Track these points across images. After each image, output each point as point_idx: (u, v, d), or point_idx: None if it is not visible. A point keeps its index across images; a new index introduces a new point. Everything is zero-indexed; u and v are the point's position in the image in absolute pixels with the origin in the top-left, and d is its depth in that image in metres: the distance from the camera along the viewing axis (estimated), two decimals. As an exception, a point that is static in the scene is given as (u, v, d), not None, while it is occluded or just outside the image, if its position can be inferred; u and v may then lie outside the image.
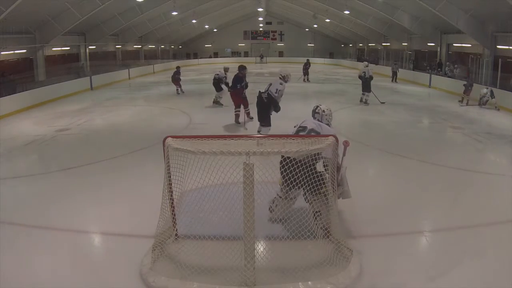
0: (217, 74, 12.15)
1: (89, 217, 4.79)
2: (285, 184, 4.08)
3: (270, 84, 7.58)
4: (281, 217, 4.25)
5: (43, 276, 3.53)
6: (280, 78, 7.64)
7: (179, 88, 15.60)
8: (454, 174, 6.23)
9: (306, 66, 20.86)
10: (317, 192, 3.88)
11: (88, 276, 3.53)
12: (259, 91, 7.64)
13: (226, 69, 12.44)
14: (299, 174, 3.69)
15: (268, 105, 7.46)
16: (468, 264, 3.71)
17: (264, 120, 7.52)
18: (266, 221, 4.36)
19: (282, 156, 3.95)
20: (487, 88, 12.72)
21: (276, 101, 7.48)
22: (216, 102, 12.43)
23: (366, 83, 12.90)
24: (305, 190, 3.95)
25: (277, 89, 7.47)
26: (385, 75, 23.54)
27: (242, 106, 9.62)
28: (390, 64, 23.27)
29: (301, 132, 4.29)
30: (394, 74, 20.85)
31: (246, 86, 9.67)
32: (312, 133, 4.19)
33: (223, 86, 11.85)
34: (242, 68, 9.52)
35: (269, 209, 4.42)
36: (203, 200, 4.05)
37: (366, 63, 13.99)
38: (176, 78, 15.46)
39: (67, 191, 5.55)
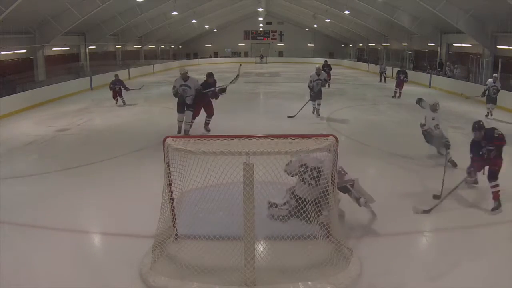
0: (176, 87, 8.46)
1: (89, 217, 4.80)
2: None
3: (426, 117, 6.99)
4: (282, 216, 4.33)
5: (43, 276, 3.53)
6: (431, 109, 6.98)
7: (119, 99, 12.98)
8: (454, 174, 6.22)
9: (324, 68, 17.50)
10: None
11: (88, 276, 3.53)
12: (421, 124, 7.16)
13: (183, 73, 8.36)
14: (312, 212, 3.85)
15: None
16: (468, 264, 3.72)
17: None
18: (266, 221, 4.36)
19: (296, 196, 4.22)
20: (494, 77, 11.09)
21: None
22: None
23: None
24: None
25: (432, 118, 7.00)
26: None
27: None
28: (379, 63, 23.06)
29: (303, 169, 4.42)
30: (382, 74, 20.49)
31: (215, 96, 8.74)
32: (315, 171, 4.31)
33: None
34: (209, 75, 8.64)
35: (271, 205, 4.48)
36: (203, 200, 4.05)
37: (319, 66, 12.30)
38: (113, 89, 13.02)
39: (67, 191, 5.55)
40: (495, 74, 11.33)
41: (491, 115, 10.93)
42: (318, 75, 10.66)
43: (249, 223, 3.25)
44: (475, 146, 5.07)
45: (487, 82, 11.21)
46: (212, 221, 4.12)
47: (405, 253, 3.94)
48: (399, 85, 14.91)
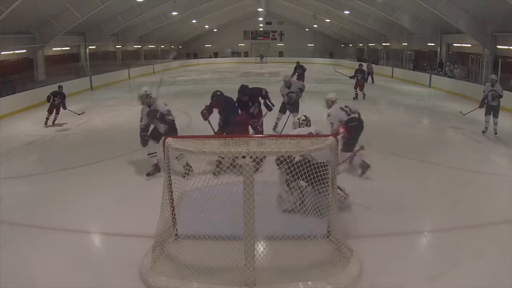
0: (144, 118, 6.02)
1: (89, 217, 4.79)
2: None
3: None
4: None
5: (43, 276, 3.53)
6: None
7: (52, 116, 10.12)
8: (454, 174, 6.23)
9: (297, 70, 16.34)
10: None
11: (88, 276, 3.53)
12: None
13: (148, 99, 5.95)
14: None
15: None
16: (468, 264, 3.71)
17: None
18: (266, 221, 4.36)
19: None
20: (491, 80, 8.65)
21: None
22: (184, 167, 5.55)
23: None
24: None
25: None
26: (385, 75, 23.54)
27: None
28: (367, 63, 21.68)
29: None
30: (369, 74, 19.43)
31: (269, 107, 7.24)
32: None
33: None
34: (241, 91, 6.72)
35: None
36: (203, 200, 4.05)
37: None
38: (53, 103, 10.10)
39: (67, 191, 5.55)
40: (493, 76, 8.90)
41: (495, 133, 8.56)
42: (289, 87, 8.48)
43: (249, 223, 3.25)
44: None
45: (484, 89, 8.79)
46: (212, 221, 4.12)
47: (405, 253, 3.93)
48: (358, 86, 13.75)
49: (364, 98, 13.85)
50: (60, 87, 10.61)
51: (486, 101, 8.58)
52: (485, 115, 8.74)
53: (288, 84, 8.50)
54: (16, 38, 15.56)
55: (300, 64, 16.92)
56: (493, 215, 4.71)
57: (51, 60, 18.46)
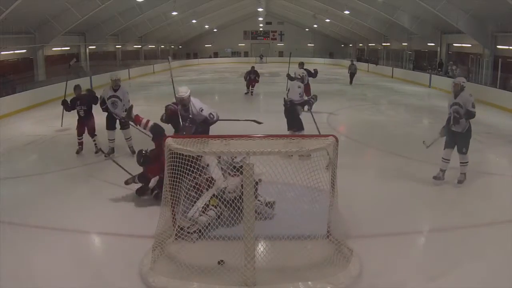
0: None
1: (89, 217, 4.78)
2: None
3: None
4: None
5: (43, 276, 3.53)
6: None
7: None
8: (454, 174, 6.22)
9: (250, 76, 14.76)
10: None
11: (88, 276, 3.53)
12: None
13: (114, 80, 6.85)
14: None
15: None
16: (468, 264, 3.71)
17: None
18: (266, 221, 4.36)
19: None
20: (458, 83, 5.52)
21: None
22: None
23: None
24: None
25: None
26: (385, 75, 23.55)
27: None
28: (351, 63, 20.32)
29: None
30: (352, 75, 18.80)
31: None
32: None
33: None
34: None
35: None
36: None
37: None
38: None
39: (67, 191, 5.55)
40: (457, 79, 5.61)
41: (460, 181, 5.52)
42: (186, 109, 5.74)
43: (249, 223, 3.25)
44: None
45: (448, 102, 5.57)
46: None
47: (405, 253, 3.94)
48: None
49: (310, 109, 8.80)
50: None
51: (450, 121, 5.39)
52: (444, 148, 5.47)
53: (184, 102, 5.75)
54: (16, 38, 15.55)
55: (254, 69, 15.03)
56: (493, 215, 4.70)
57: (51, 60, 18.45)
